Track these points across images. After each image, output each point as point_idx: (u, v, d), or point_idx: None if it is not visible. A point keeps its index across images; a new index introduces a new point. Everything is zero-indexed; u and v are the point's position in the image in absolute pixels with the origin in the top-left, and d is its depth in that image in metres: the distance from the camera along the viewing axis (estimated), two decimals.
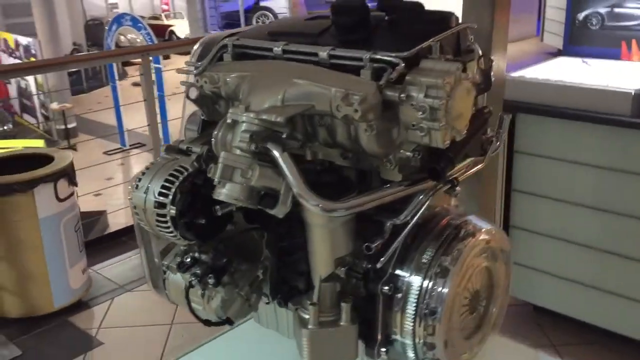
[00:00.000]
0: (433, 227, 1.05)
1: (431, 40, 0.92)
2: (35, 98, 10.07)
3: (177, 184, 1.03)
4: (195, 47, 1.14)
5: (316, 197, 0.89)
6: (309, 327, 1.00)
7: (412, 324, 1.01)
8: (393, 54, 0.91)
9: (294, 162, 0.90)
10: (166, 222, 1.04)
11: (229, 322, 1.14)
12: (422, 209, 0.99)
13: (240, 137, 0.92)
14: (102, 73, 12.37)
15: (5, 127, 10.12)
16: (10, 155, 3.25)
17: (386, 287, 1.00)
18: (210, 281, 1.08)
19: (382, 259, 0.99)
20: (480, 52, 1.08)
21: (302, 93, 0.93)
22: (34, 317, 2.98)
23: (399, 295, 1.01)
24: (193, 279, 1.09)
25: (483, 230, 1.08)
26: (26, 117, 10.57)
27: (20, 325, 2.93)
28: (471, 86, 0.92)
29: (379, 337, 1.03)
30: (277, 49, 1.02)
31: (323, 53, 0.96)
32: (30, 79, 9.98)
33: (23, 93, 10.58)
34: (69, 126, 9.43)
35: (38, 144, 7.99)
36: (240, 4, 14.47)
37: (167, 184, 1.03)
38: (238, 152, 0.93)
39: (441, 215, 1.08)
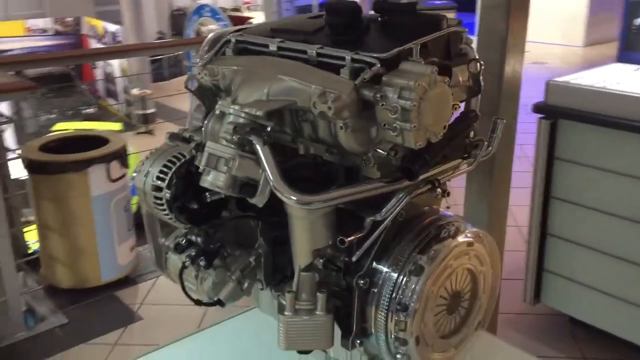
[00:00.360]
0: (415, 226, 1.07)
1: (412, 42, 0.94)
2: (118, 83, 10.48)
3: (173, 169, 1.10)
4: (205, 41, 1.20)
5: (289, 190, 0.93)
6: (285, 313, 1.05)
7: (384, 318, 1.03)
8: (374, 55, 0.93)
9: (273, 156, 0.94)
10: (162, 204, 1.10)
11: (219, 303, 1.19)
12: (400, 206, 1.02)
13: (226, 129, 0.97)
14: (183, 62, 12.74)
15: (90, 110, 10.59)
16: (69, 136, 3.44)
17: (362, 281, 1.03)
18: (202, 263, 1.14)
19: (357, 253, 1.02)
20: (474, 56, 1.09)
21: (286, 89, 0.98)
22: (83, 289, 3.16)
23: (375, 289, 1.04)
24: (187, 260, 1.15)
25: (467, 233, 1.09)
26: (110, 100, 11.04)
27: (69, 295, 3.11)
28: (447, 89, 0.93)
29: (355, 329, 1.06)
30: (273, 45, 1.06)
31: (311, 51, 1.00)
32: (115, 64, 10.40)
33: (108, 77, 11.04)
34: (148, 111, 9.80)
35: (116, 127, 8.33)
36: None
37: (164, 169, 1.10)
38: (224, 142, 0.98)
39: (426, 216, 1.10)
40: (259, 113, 0.94)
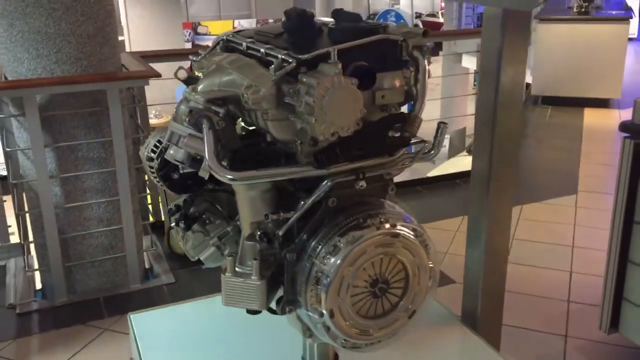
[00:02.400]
0: (345, 213, 1.19)
1: (332, 47, 1.07)
2: None
3: (163, 144, 1.32)
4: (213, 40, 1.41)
5: (220, 167, 1.11)
6: (226, 274, 1.22)
7: (304, 289, 1.17)
8: (296, 56, 1.07)
9: (213, 137, 1.12)
10: (153, 172, 1.34)
11: (200, 263, 1.40)
12: (322, 191, 1.14)
13: (185, 112, 1.17)
14: None
15: None
16: None
17: (289, 254, 1.18)
18: (181, 226, 1.35)
19: (283, 228, 1.16)
20: (424, 65, 1.18)
21: (231, 81, 1.15)
22: None
23: (301, 263, 1.18)
24: (173, 222, 1.38)
25: (397, 226, 1.18)
26: None
27: (182, 260, 3.51)
28: (353, 89, 1.04)
29: (285, 296, 1.21)
30: (244, 45, 1.24)
31: (262, 51, 1.16)
32: None
33: None
34: None
35: None
36: None
37: (157, 143, 1.33)
38: (184, 123, 1.18)
39: (362, 206, 1.20)
40: (200, 100, 1.13)
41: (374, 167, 1.17)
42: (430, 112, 5.72)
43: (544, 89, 6.96)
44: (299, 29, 1.17)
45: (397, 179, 1.27)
